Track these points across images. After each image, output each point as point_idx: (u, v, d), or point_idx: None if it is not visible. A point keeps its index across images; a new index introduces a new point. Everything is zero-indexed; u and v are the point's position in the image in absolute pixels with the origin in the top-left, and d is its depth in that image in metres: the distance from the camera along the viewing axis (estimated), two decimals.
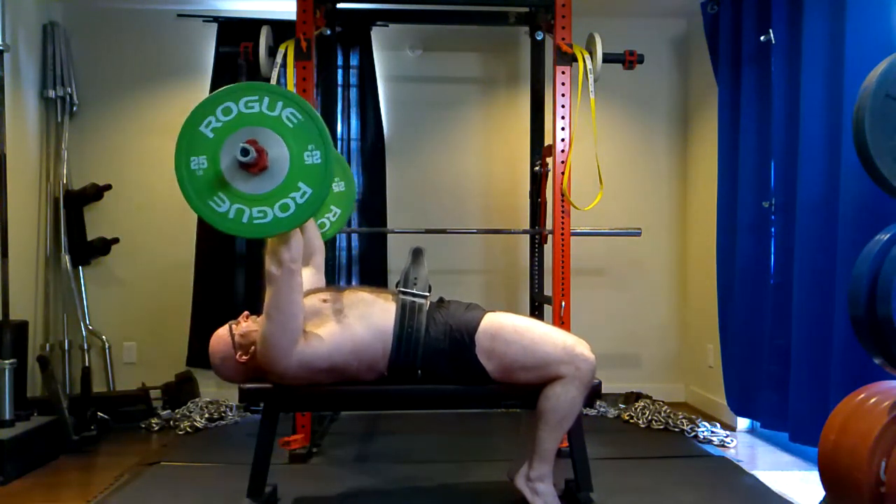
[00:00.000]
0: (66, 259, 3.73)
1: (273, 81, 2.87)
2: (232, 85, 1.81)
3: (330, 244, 3.55)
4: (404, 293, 2.06)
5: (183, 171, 1.76)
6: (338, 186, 2.55)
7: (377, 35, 3.97)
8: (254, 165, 1.73)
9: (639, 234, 3.39)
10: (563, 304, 2.85)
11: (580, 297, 3.19)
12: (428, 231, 3.51)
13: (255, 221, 1.76)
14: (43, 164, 3.74)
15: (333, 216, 2.62)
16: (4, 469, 2.56)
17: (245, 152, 1.70)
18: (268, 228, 1.77)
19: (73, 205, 3.78)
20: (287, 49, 2.81)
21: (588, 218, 3.12)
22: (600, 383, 2.08)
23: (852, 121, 1.82)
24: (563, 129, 2.86)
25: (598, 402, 3.62)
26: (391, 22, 3.90)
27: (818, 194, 2.64)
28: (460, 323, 2.04)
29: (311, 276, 2.26)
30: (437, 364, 2.03)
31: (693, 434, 3.20)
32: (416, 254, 2.14)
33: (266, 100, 1.77)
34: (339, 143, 3.87)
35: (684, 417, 3.38)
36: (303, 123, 1.77)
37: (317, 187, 1.76)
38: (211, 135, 1.76)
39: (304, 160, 1.76)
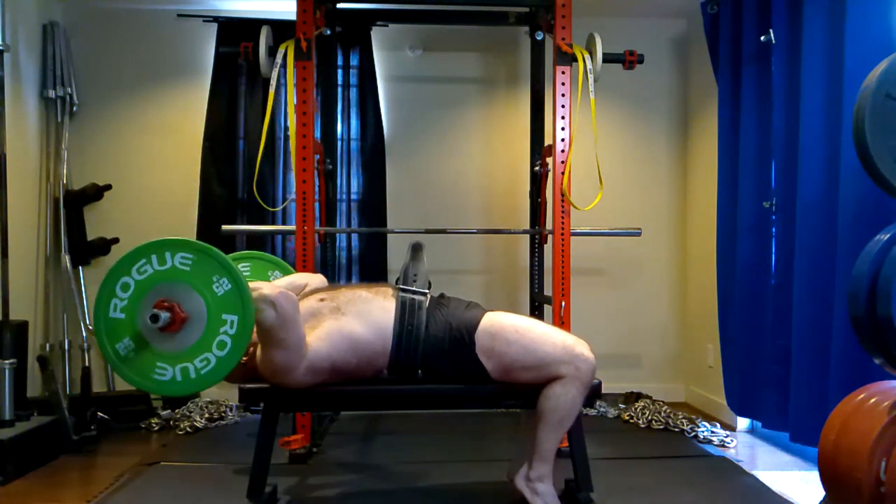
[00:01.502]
0: (66, 259, 3.73)
1: (273, 81, 2.87)
2: (117, 261, 1.78)
3: (330, 244, 3.55)
4: (404, 290, 2.06)
5: (115, 360, 1.74)
6: (275, 278, 2.51)
7: (377, 35, 3.98)
8: (172, 323, 1.71)
9: (639, 234, 3.39)
10: (563, 304, 2.85)
11: (580, 297, 3.19)
12: (428, 231, 3.51)
13: (203, 371, 1.74)
14: (43, 164, 3.74)
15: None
16: (4, 469, 2.56)
17: (154, 318, 1.68)
18: (216, 372, 1.75)
19: (73, 205, 3.78)
20: (287, 49, 2.81)
21: (588, 218, 3.13)
22: (600, 383, 2.08)
23: (852, 121, 1.81)
24: (563, 129, 2.86)
25: (598, 402, 3.62)
26: (391, 22, 3.90)
27: (818, 194, 2.64)
28: (460, 322, 2.04)
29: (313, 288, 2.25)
30: (436, 362, 2.03)
31: (693, 434, 3.20)
32: (415, 249, 2.14)
33: (153, 257, 1.76)
34: (339, 143, 3.87)
35: (684, 417, 3.38)
36: (197, 261, 1.75)
37: (240, 311, 1.74)
38: (123, 316, 1.75)
39: (216, 293, 1.74)
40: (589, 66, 2.83)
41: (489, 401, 2.22)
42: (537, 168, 3.51)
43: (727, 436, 3.16)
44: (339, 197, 3.84)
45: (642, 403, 3.59)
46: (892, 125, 1.78)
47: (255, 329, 2.03)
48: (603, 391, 2.13)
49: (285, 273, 2.52)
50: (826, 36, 2.63)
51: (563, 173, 2.84)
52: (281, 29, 3.17)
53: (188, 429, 3.29)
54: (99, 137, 3.91)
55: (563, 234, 2.86)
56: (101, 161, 3.89)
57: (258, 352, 1.98)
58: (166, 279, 1.75)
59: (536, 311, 3.61)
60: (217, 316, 1.74)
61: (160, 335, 1.72)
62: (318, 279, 2.35)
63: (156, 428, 3.36)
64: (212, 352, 1.74)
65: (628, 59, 2.98)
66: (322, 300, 2.06)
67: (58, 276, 3.74)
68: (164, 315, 1.69)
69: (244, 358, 2.03)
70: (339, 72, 3.90)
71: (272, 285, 1.90)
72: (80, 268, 3.82)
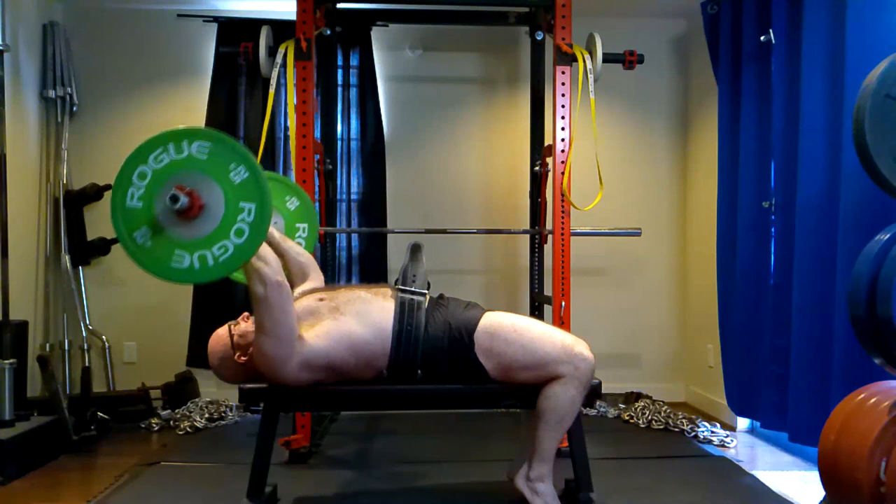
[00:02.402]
0: (66, 259, 3.73)
1: (273, 81, 2.87)
2: (135, 149, 1.76)
3: (330, 244, 3.55)
4: (403, 291, 2.06)
5: (133, 249, 1.73)
6: (291, 203, 2.50)
7: (377, 35, 3.98)
8: (190, 209, 1.70)
9: (639, 234, 3.38)
10: (563, 304, 2.85)
11: (580, 297, 3.19)
12: (428, 231, 3.51)
13: (221, 259, 1.72)
14: (43, 164, 3.74)
15: (303, 233, 2.58)
16: (4, 469, 2.56)
17: (174, 199, 1.67)
18: (235, 260, 1.73)
19: (73, 205, 3.78)
20: (287, 49, 2.81)
21: (588, 218, 3.13)
22: (600, 383, 2.08)
23: (852, 121, 1.82)
24: (563, 129, 2.86)
25: (598, 402, 3.62)
26: (391, 22, 3.90)
27: (818, 194, 2.64)
28: (460, 322, 2.04)
29: (312, 285, 2.26)
30: (436, 362, 2.03)
31: (693, 434, 3.20)
32: (415, 250, 2.14)
33: (171, 146, 1.74)
34: (339, 143, 3.87)
35: (684, 417, 3.38)
36: (214, 149, 1.74)
37: (258, 199, 1.72)
38: (140, 204, 1.74)
39: (233, 181, 1.73)
40: (589, 66, 2.83)
41: (489, 401, 2.22)
42: (537, 168, 3.51)
43: (727, 436, 3.16)
44: (339, 197, 3.84)
45: (642, 403, 3.59)
46: (892, 125, 1.78)
47: (252, 328, 2.04)
48: (603, 391, 2.13)
49: (301, 201, 2.52)
50: (826, 36, 2.63)
51: (563, 173, 2.84)
52: (281, 29, 3.17)
53: (188, 429, 3.29)
54: (99, 137, 3.91)
55: (563, 234, 2.86)
56: (101, 161, 3.89)
57: (257, 364, 1.98)
58: (184, 168, 1.73)
59: (536, 311, 3.61)
60: (235, 204, 1.72)
61: (178, 222, 1.71)
62: (318, 274, 2.36)
63: (156, 428, 3.36)
64: (230, 239, 1.72)
65: (628, 59, 2.98)
66: (321, 300, 2.06)
67: (58, 276, 3.74)
68: (184, 198, 1.68)
69: (243, 358, 2.04)
70: (339, 72, 3.90)
71: (277, 269, 1.88)
72: (80, 268, 3.82)
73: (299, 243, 2.47)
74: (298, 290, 2.20)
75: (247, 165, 1.73)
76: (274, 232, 2.23)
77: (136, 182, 1.74)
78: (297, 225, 2.50)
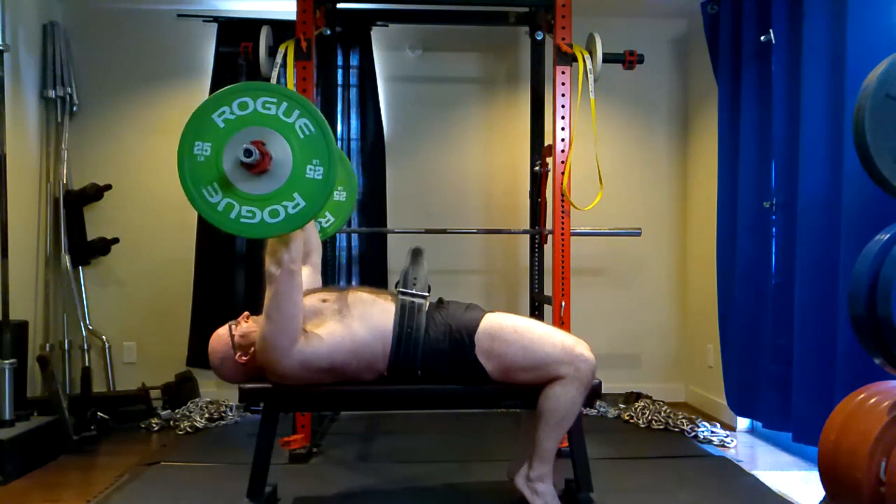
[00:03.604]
0: (66, 259, 3.73)
1: (273, 81, 2.87)
2: (255, 82, 1.81)
3: (330, 244, 3.55)
4: (404, 293, 2.06)
5: (185, 153, 1.75)
6: (339, 195, 2.52)
7: (377, 35, 3.98)
8: (255, 166, 1.73)
9: (639, 234, 3.39)
10: (563, 304, 2.85)
11: (580, 297, 3.19)
12: (428, 231, 3.51)
13: (243, 220, 1.75)
14: (43, 164, 3.74)
15: (327, 223, 2.60)
16: (4, 469, 2.56)
17: (248, 153, 1.70)
18: (253, 229, 1.77)
19: (73, 205, 3.78)
20: (287, 49, 2.81)
21: (588, 218, 3.12)
22: (600, 383, 2.08)
23: (852, 121, 1.81)
24: (563, 129, 2.86)
25: (598, 402, 3.62)
26: (391, 22, 3.90)
27: (820, 194, 2.64)
28: (460, 323, 2.04)
29: (308, 274, 2.26)
30: (436, 364, 2.03)
31: (693, 434, 3.20)
32: (416, 254, 2.14)
33: (284, 104, 1.77)
34: (339, 142, 3.87)
35: (684, 417, 3.38)
36: (314, 136, 1.76)
37: (311, 202, 1.75)
38: (222, 125, 1.77)
39: (305, 172, 1.76)
40: (589, 66, 2.83)
41: (489, 401, 2.22)
42: (537, 168, 3.51)
43: (727, 436, 3.16)
44: None
45: (642, 403, 3.59)
46: (892, 125, 1.78)
47: (253, 328, 2.04)
48: (603, 391, 2.13)
49: (349, 196, 2.58)
50: (827, 36, 2.63)
51: (563, 173, 2.84)
52: (281, 29, 3.17)
53: (188, 429, 3.29)
54: (99, 137, 3.91)
55: (563, 234, 2.86)
56: (101, 161, 3.89)
57: (258, 352, 1.98)
58: (279, 129, 1.76)
59: (536, 311, 3.61)
60: (291, 190, 1.76)
61: (237, 166, 1.74)
62: (316, 259, 2.37)
63: (156, 428, 3.36)
64: (263, 212, 1.76)
65: (628, 59, 2.98)
66: (325, 301, 2.06)
67: (58, 276, 3.74)
68: (256, 155, 1.70)
69: (244, 358, 2.04)
70: (339, 72, 3.90)
71: (296, 257, 1.90)
72: (80, 268, 3.82)
73: (319, 225, 2.52)
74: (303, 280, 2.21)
75: (326, 169, 1.76)
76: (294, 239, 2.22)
77: (233, 106, 1.77)
78: (328, 214, 2.51)
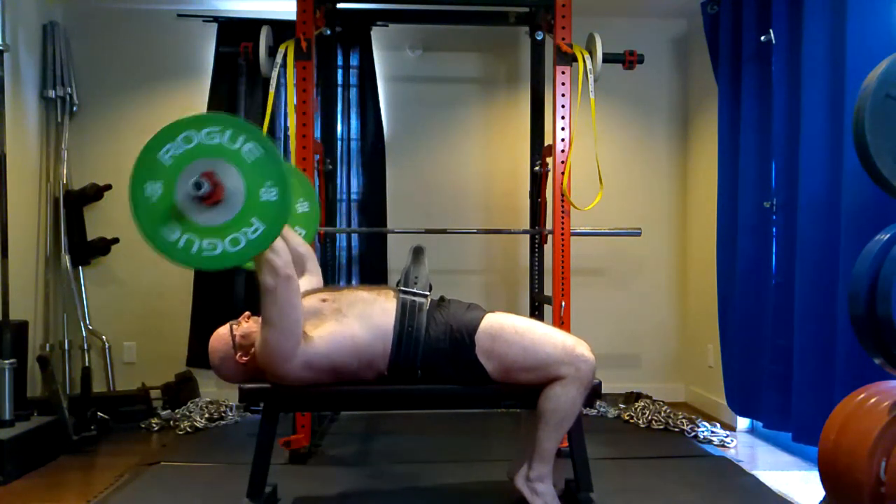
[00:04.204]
0: (66, 259, 3.73)
1: (273, 81, 2.87)
2: (195, 115, 1.79)
3: (330, 244, 3.55)
4: (405, 292, 2.06)
5: (137, 196, 1.73)
6: (302, 207, 2.50)
7: (377, 35, 3.98)
8: (208, 198, 1.71)
9: (639, 234, 3.38)
10: (563, 304, 2.85)
11: (580, 297, 3.19)
12: (428, 231, 3.51)
13: (205, 253, 1.73)
14: (43, 164, 3.74)
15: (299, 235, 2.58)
16: (4, 469, 2.56)
17: (198, 186, 1.68)
18: (216, 261, 1.74)
19: (73, 205, 3.78)
20: (287, 49, 2.81)
21: (588, 218, 3.12)
22: (600, 383, 2.08)
23: (852, 121, 1.81)
24: (563, 129, 2.86)
25: (598, 402, 3.62)
26: (391, 22, 3.90)
27: (819, 194, 2.64)
28: (461, 323, 2.04)
29: (308, 282, 2.26)
30: (437, 364, 2.03)
31: (693, 434, 3.20)
32: (417, 253, 2.14)
33: (228, 132, 1.74)
34: (339, 143, 3.87)
35: (684, 417, 3.38)
36: (262, 159, 1.74)
37: (270, 224, 1.73)
38: (169, 162, 1.73)
39: (259, 196, 1.74)
40: (589, 66, 2.83)
41: (489, 401, 2.22)
42: (537, 168, 3.51)
43: (727, 436, 3.16)
44: (339, 197, 3.85)
45: (642, 403, 3.59)
46: (892, 125, 1.78)
47: (253, 328, 2.04)
48: (603, 391, 2.13)
49: (312, 207, 2.54)
50: (827, 36, 2.63)
51: (563, 173, 2.84)
52: (281, 29, 3.17)
53: (188, 429, 3.29)
54: (99, 137, 3.91)
55: (563, 234, 2.86)
56: (101, 161, 3.89)
57: (259, 357, 1.98)
58: (227, 157, 1.74)
59: (536, 312, 3.61)
60: (248, 216, 1.73)
61: (191, 199, 1.71)
62: (315, 266, 2.37)
63: (156, 428, 3.36)
64: (224, 241, 1.74)
65: (628, 59, 2.98)
66: (324, 300, 2.06)
67: (58, 276, 3.74)
68: (207, 186, 1.69)
69: (244, 358, 2.04)
70: (339, 72, 3.90)
71: (287, 262, 1.89)
72: (80, 268, 3.82)
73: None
74: (302, 288, 2.20)
75: (280, 189, 1.74)
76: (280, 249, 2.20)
77: (178, 141, 1.74)
78: (297, 228, 2.50)
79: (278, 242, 1.84)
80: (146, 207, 1.73)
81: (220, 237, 1.73)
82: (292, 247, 2.26)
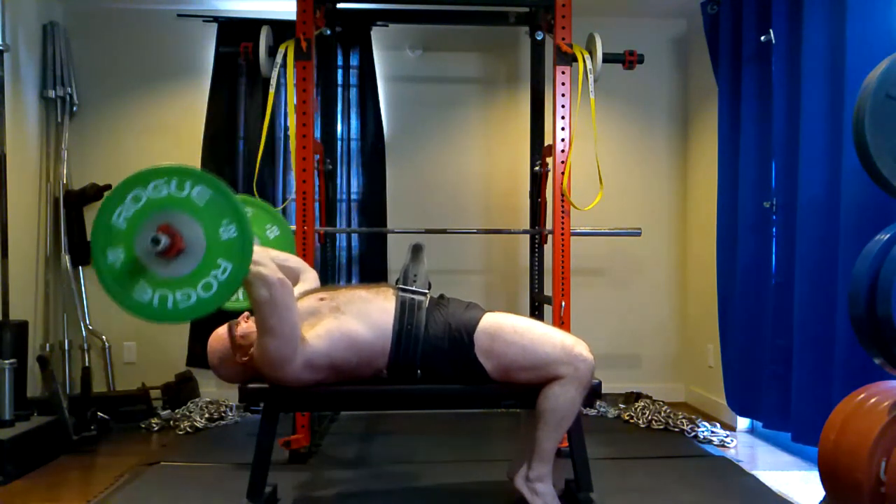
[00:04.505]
0: (66, 259, 3.73)
1: (273, 81, 2.87)
2: (138, 171, 1.75)
3: (330, 244, 3.55)
4: (403, 290, 2.06)
5: (101, 265, 1.72)
6: (271, 232, 2.49)
7: (377, 35, 3.98)
8: (169, 250, 1.70)
9: (639, 234, 3.38)
10: (563, 304, 2.85)
11: (580, 297, 3.19)
12: (428, 231, 3.51)
13: (181, 306, 1.71)
14: (43, 164, 3.74)
15: None
16: (4, 469, 2.56)
17: (156, 241, 1.67)
18: (194, 310, 1.73)
19: (73, 205, 3.78)
20: (287, 49, 2.81)
21: (588, 218, 3.12)
22: (600, 383, 2.08)
23: (852, 121, 1.81)
24: (563, 129, 2.86)
25: (598, 402, 3.62)
26: (391, 22, 3.90)
27: (820, 194, 2.64)
28: (460, 322, 2.04)
29: (304, 288, 2.25)
30: (436, 362, 2.02)
31: (693, 434, 3.20)
32: (416, 250, 2.14)
33: (174, 181, 1.73)
34: (339, 143, 3.87)
35: (684, 417, 3.38)
36: (214, 199, 1.73)
37: (237, 261, 1.72)
38: (124, 225, 1.72)
39: (220, 236, 1.72)
40: (589, 66, 2.83)
41: (489, 401, 2.22)
42: (537, 168, 3.51)
43: (727, 436, 3.16)
44: (339, 197, 3.84)
45: (642, 403, 3.59)
46: (892, 125, 1.78)
47: (252, 328, 2.03)
48: (603, 391, 2.13)
49: (282, 229, 2.52)
50: (826, 36, 2.63)
51: (563, 173, 2.84)
52: (281, 29, 3.17)
53: (188, 429, 3.29)
54: (99, 137, 3.91)
55: (563, 234, 2.86)
56: (101, 161, 3.89)
57: (258, 364, 1.97)
58: (179, 207, 1.72)
59: (536, 311, 3.60)
60: (213, 258, 1.72)
61: (153, 256, 1.70)
62: (312, 274, 2.36)
63: (156, 428, 3.36)
64: (196, 289, 1.72)
65: (628, 59, 2.97)
66: (322, 299, 2.06)
67: (58, 276, 3.74)
68: (165, 241, 1.68)
69: (244, 358, 2.03)
70: (339, 72, 3.90)
71: (275, 269, 1.89)
72: (80, 268, 3.82)
73: None
74: (297, 291, 2.20)
75: (237, 225, 1.72)
76: (256, 249, 2.17)
77: (127, 202, 1.72)
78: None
79: (258, 254, 1.82)
80: (112, 274, 1.72)
81: (192, 286, 1.71)
82: (280, 262, 2.23)
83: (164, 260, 1.70)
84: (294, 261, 2.36)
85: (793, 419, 2.72)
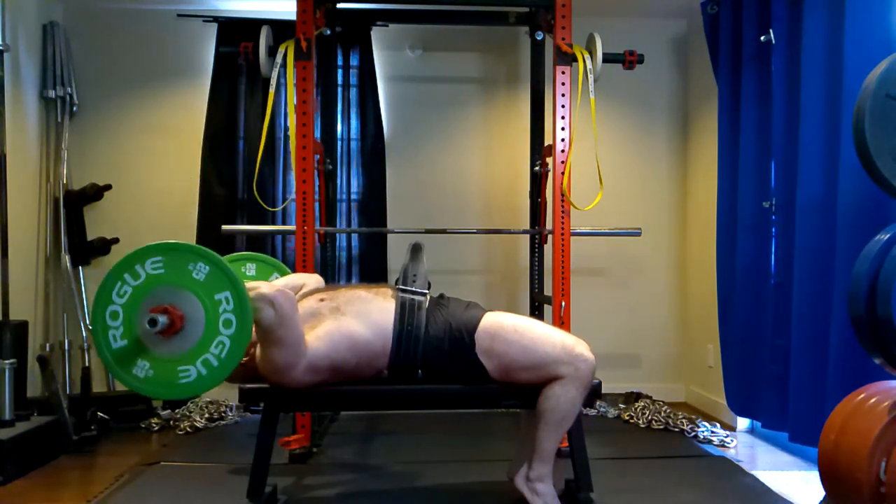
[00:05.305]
0: (66, 259, 3.73)
1: (273, 81, 2.87)
2: (136, 249, 1.77)
3: (330, 244, 3.55)
4: (403, 291, 2.06)
5: (101, 342, 1.74)
6: (274, 279, 2.50)
7: (377, 35, 3.98)
8: (167, 330, 1.70)
9: (639, 234, 3.38)
10: (563, 304, 2.85)
11: (580, 297, 3.19)
12: (428, 231, 3.51)
13: (182, 381, 1.73)
14: (43, 164, 3.74)
15: None
16: (4, 469, 2.56)
17: (153, 323, 1.68)
18: (194, 387, 1.74)
19: (73, 205, 3.78)
20: (287, 49, 2.81)
21: (588, 218, 3.13)
22: (600, 383, 2.08)
23: (852, 121, 1.82)
24: (563, 129, 2.86)
25: (598, 402, 3.62)
26: (391, 22, 3.90)
27: (818, 194, 2.64)
28: (460, 322, 2.04)
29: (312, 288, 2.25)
30: (436, 362, 2.03)
31: (693, 434, 3.20)
32: (415, 250, 2.14)
33: (172, 257, 1.75)
34: (339, 143, 3.87)
35: (684, 417, 3.38)
36: (211, 273, 1.74)
37: (236, 335, 1.73)
38: (123, 302, 1.75)
39: (218, 311, 1.73)
40: (589, 66, 2.83)
41: (489, 401, 2.22)
42: (537, 168, 3.51)
43: (727, 436, 3.16)
44: (339, 197, 3.85)
45: (642, 403, 3.59)
46: (892, 125, 1.78)
47: (254, 329, 2.03)
48: (603, 391, 2.13)
49: (276, 268, 2.55)
50: (826, 36, 2.63)
51: (563, 173, 2.84)
52: (281, 29, 3.17)
53: (188, 429, 3.29)
54: (99, 137, 3.91)
55: (563, 234, 2.86)
56: (101, 161, 3.89)
57: (258, 352, 1.98)
58: (177, 283, 1.74)
59: (536, 311, 3.60)
60: (213, 334, 1.73)
61: (153, 334, 1.71)
62: (315, 279, 2.35)
63: (156, 428, 3.36)
64: (195, 366, 1.74)
65: (628, 59, 2.97)
66: (322, 300, 2.06)
67: (58, 276, 3.74)
68: (162, 322, 1.68)
69: (245, 358, 2.03)
70: (339, 72, 3.90)
71: (270, 284, 1.90)
72: (80, 268, 3.82)
73: None
74: (298, 294, 2.20)
75: (234, 297, 1.73)
76: (257, 285, 2.03)
77: (126, 280, 1.75)
78: None
79: (248, 283, 1.83)
80: (112, 353, 1.73)
81: (191, 362, 1.73)
82: (294, 285, 2.23)
83: (164, 338, 1.71)
84: (298, 277, 2.36)
85: (789, 419, 2.73)
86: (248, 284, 1.83)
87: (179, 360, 1.73)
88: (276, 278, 2.49)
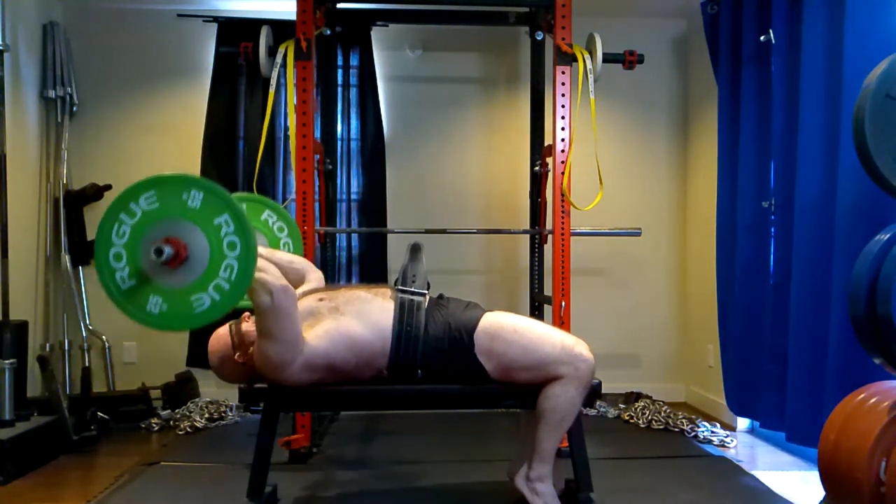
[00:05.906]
0: (66, 259, 3.73)
1: (273, 81, 2.87)
2: (127, 188, 1.73)
3: (330, 244, 3.55)
4: (403, 291, 2.06)
5: (110, 286, 1.71)
6: (267, 217, 2.48)
7: (377, 35, 3.98)
8: (174, 260, 1.68)
9: (639, 234, 3.38)
10: (563, 304, 2.85)
11: (580, 297, 3.19)
12: (428, 231, 3.51)
13: (197, 310, 1.70)
14: (43, 164, 3.74)
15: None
16: (4, 469, 2.57)
17: (159, 252, 1.65)
18: (210, 313, 1.71)
19: (73, 205, 3.78)
20: (287, 49, 2.81)
21: (588, 218, 3.13)
22: (600, 383, 2.08)
23: (852, 121, 1.82)
24: (563, 129, 2.86)
25: (598, 402, 3.62)
26: (391, 22, 3.90)
27: (817, 194, 2.64)
28: (460, 322, 2.04)
29: (309, 287, 2.25)
30: (436, 362, 2.02)
31: (693, 434, 3.20)
32: (415, 250, 2.14)
33: (165, 190, 1.72)
34: (339, 143, 3.88)
35: (684, 417, 3.38)
36: (206, 199, 1.71)
37: (242, 255, 1.70)
38: (124, 241, 1.72)
39: (220, 235, 1.71)
40: (589, 66, 2.83)
41: (489, 401, 2.22)
42: (537, 168, 3.51)
43: (727, 436, 3.16)
44: (339, 197, 3.85)
45: (642, 403, 3.59)
46: (892, 125, 1.78)
47: (253, 328, 2.03)
48: (603, 391, 2.13)
49: (280, 217, 2.50)
50: (826, 36, 2.63)
51: (563, 173, 2.84)
52: (281, 29, 3.17)
53: (188, 429, 3.29)
54: (99, 137, 3.91)
55: (563, 234, 2.86)
56: (101, 161, 3.89)
57: (256, 349, 1.98)
58: (175, 214, 1.71)
59: (536, 311, 3.60)
60: (220, 259, 1.70)
61: (159, 268, 1.68)
62: (317, 275, 2.35)
63: (156, 428, 3.36)
64: (208, 292, 1.70)
65: (628, 59, 2.97)
66: (321, 300, 2.06)
67: (58, 276, 3.74)
68: (168, 251, 1.66)
69: (243, 358, 2.03)
70: (339, 72, 3.90)
71: (278, 275, 1.88)
72: (80, 268, 3.82)
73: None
74: (299, 291, 2.20)
75: (234, 220, 1.70)
76: (261, 250, 2.18)
77: (122, 219, 1.71)
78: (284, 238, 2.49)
79: (261, 261, 1.81)
80: (123, 294, 1.71)
81: (203, 290, 1.71)
82: (284, 266, 2.23)
83: (171, 270, 1.69)
84: (299, 262, 2.35)
85: (787, 419, 2.73)
86: (260, 264, 1.81)
87: (191, 289, 1.71)
88: (271, 218, 2.47)
